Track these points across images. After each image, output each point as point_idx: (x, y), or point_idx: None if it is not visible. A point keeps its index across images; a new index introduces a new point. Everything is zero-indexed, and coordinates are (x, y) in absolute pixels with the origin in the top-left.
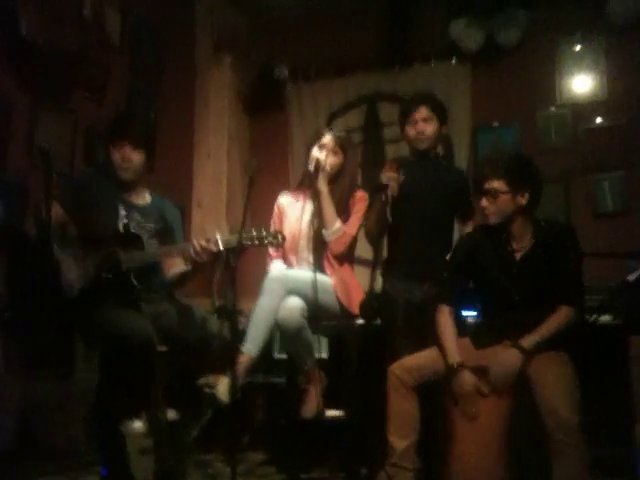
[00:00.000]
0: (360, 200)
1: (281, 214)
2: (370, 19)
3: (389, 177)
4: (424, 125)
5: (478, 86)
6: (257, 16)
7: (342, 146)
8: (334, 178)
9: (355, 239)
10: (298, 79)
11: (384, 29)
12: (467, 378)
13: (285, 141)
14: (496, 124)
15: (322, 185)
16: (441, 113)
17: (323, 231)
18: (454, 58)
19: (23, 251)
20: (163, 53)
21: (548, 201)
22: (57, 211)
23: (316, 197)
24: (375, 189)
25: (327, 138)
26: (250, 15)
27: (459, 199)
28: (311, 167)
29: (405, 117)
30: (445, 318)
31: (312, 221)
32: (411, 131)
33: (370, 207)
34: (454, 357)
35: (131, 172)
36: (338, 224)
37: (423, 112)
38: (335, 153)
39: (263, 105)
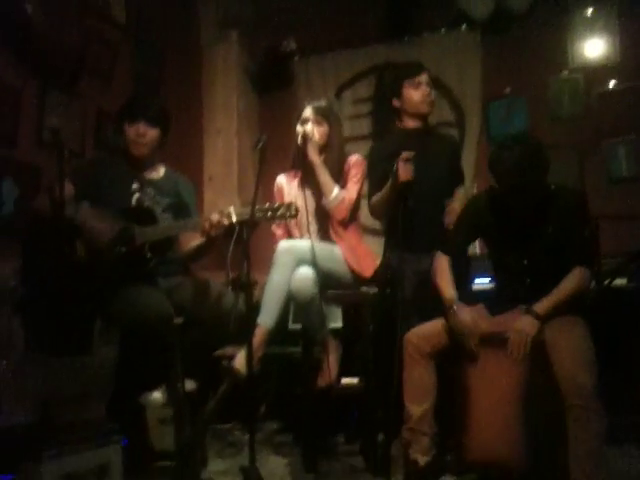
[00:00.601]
0: (355, 165)
1: (281, 192)
2: None
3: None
4: (428, 88)
5: (488, 54)
6: None
7: (324, 115)
8: (324, 147)
9: (357, 203)
10: (306, 52)
11: None
12: (463, 312)
13: (294, 116)
14: (508, 91)
15: (314, 155)
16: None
17: (323, 200)
18: (463, 26)
19: (37, 229)
20: (168, 31)
21: (561, 168)
22: (70, 189)
23: (310, 169)
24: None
25: (307, 111)
26: None
27: (454, 166)
28: (299, 140)
29: (404, 79)
30: (441, 263)
31: (310, 194)
32: (415, 94)
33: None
34: (449, 293)
35: (145, 147)
36: (337, 190)
37: (426, 76)
38: (319, 123)
39: (271, 80)
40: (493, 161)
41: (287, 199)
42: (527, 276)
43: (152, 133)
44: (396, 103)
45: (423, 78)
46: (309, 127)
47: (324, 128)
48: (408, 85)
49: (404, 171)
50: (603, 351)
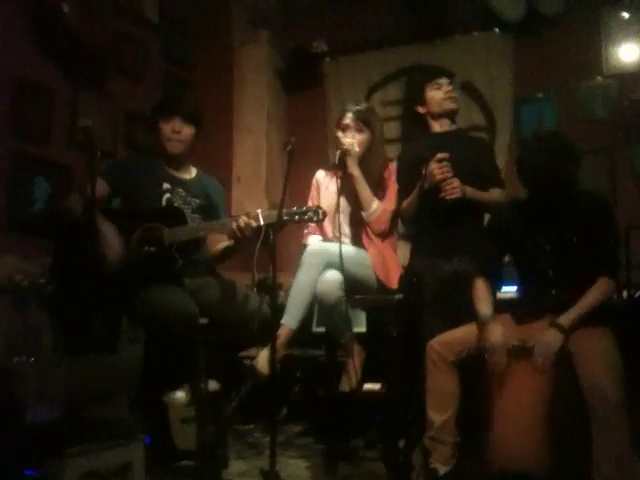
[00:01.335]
0: (394, 172)
1: (319, 188)
2: None
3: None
4: (450, 87)
5: (520, 57)
6: None
7: (365, 120)
8: (365, 155)
9: (396, 213)
10: (336, 53)
11: (424, 1)
12: (498, 330)
13: (323, 117)
14: (540, 95)
15: (354, 169)
16: None
17: (362, 213)
18: (496, 29)
19: (67, 228)
20: (200, 31)
21: (592, 173)
22: (102, 187)
23: (350, 181)
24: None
25: (348, 117)
26: None
27: (484, 168)
28: (337, 157)
29: (425, 84)
30: (480, 287)
31: (348, 197)
32: (437, 94)
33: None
34: (486, 312)
35: (180, 145)
36: (375, 204)
37: (446, 79)
38: (359, 130)
39: (301, 81)
40: (524, 153)
41: (324, 196)
42: (553, 287)
43: (187, 130)
44: (421, 109)
45: (443, 80)
46: (349, 140)
47: (365, 135)
48: (429, 88)
49: (440, 171)
50: (632, 362)
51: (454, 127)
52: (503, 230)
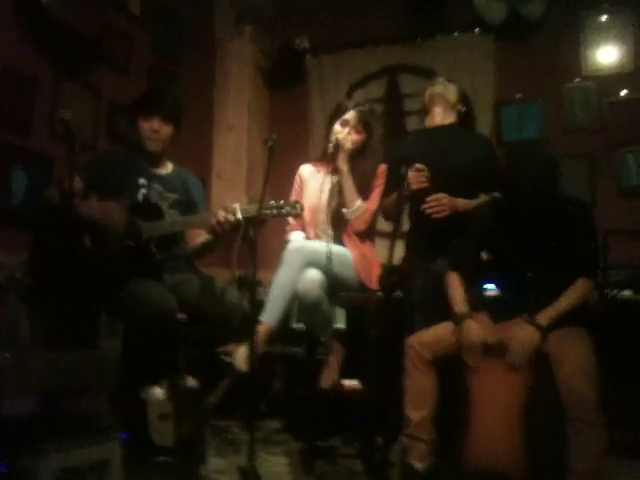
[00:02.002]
0: (382, 174)
1: (302, 184)
2: None
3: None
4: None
5: (501, 59)
6: None
7: (365, 123)
8: (356, 155)
9: (376, 214)
10: (319, 51)
11: (407, 1)
12: (473, 327)
13: (305, 114)
14: (520, 96)
15: (342, 164)
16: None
17: (344, 210)
18: (477, 30)
19: (46, 221)
20: (184, 24)
21: (573, 176)
22: (77, 183)
23: (337, 175)
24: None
25: (351, 114)
26: None
27: (482, 170)
28: (331, 148)
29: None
30: (453, 280)
31: (332, 196)
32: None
33: (388, 193)
34: (461, 306)
35: (158, 143)
36: (359, 202)
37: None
38: (358, 131)
39: (283, 78)
40: (507, 167)
41: (307, 193)
42: (531, 288)
43: (166, 129)
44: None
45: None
46: (344, 134)
47: (360, 137)
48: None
49: (416, 180)
50: (607, 363)
51: (449, 121)
52: (483, 228)
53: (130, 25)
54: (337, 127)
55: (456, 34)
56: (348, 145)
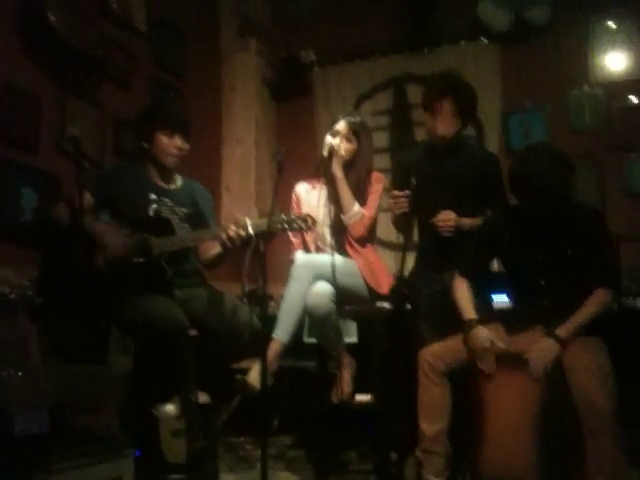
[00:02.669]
0: (376, 181)
1: (299, 202)
2: (398, 1)
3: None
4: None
5: (508, 67)
6: (282, 0)
7: (355, 132)
8: (349, 164)
9: (374, 220)
10: (324, 63)
11: (411, 10)
12: (483, 333)
13: (312, 126)
14: (528, 104)
15: (337, 170)
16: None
17: (342, 216)
18: (483, 38)
19: (55, 238)
20: (189, 39)
21: (581, 182)
22: (86, 199)
23: (332, 182)
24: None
25: (341, 124)
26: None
27: (486, 184)
28: (325, 152)
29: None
30: (460, 286)
31: (330, 206)
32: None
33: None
34: (470, 313)
35: (178, 159)
36: (356, 208)
37: (444, 108)
38: (349, 140)
39: (289, 90)
40: (519, 165)
41: (305, 209)
42: (545, 297)
43: (186, 146)
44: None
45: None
46: (337, 141)
47: (352, 145)
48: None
49: (396, 206)
50: (622, 372)
51: (451, 129)
52: (492, 236)
53: (134, 41)
54: (328, 138)
55: (462, 43)
56: (341, 152)
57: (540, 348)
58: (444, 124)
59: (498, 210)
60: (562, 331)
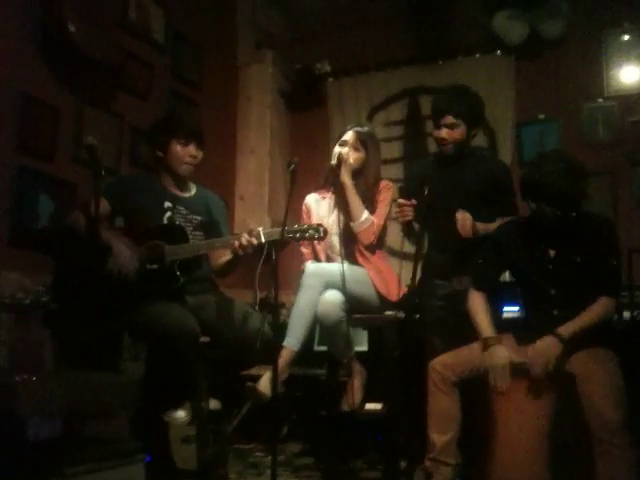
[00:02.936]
0: (384, 189)
1: (309, 212)
2: (412, 13)
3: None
4: (447, 131)
5: (522, 79)
6: (297, 13)
7: (363, 141)
8: (357, 172)
9: (384, 228)
10: (339, 74)
11: (426, 22)
12: (501, 352)
13: (326, 137)
14: (541, 116)
15: (346, 178)
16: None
17: (351, 223)
18: (497, 51)
19: (70, 245)
20: (206, 50)
21: (594, 194)
22: (104, 206)
23: (341, 191)
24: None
25: (348, 134)
26: (290, 12)
27: (494, 193)
28: (334, 161)
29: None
30: (476, 300)
31: (339, 215)
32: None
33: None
34: (488, 331)
35: (193, 168)
36: (365, 215)
37: (448, 119)
38: (356, 149)
39: (304, 101)
40: (533, 171)
41: (315, 220)
42: (555, 306)
43: (200, 154)
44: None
45: (443, 121)
46: (345, 150)
47: (361, 154)
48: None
49: (400, 215)
50: (634, 384)
51: (461, 150)
52: (502, 247)
53: (152, 52)
54: (337, 148)
55: (477, 55)
56: (350, 161)
57: (540, 346)
58: (448, 133)
59: (507, 222)
60: (563, 330)
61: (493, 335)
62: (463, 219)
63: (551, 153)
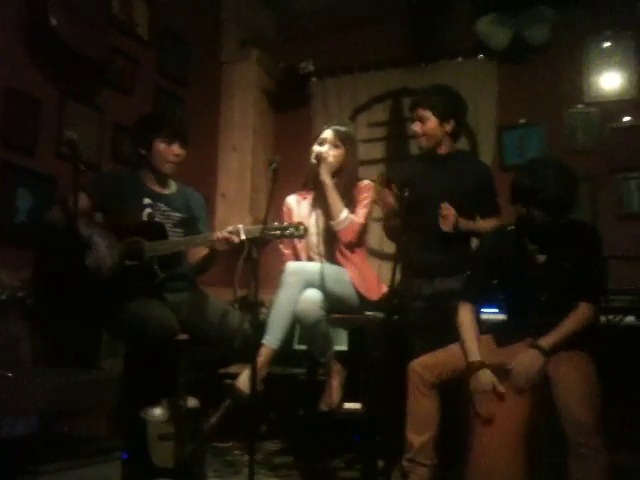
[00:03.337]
0: (365, 189)
1: (290, 212)
2: (397, 15)
3: (380, 197)
4: (419, 124)
5: (505, 84)
6: (283, 12)
7: (342, 139)
8: (337, 171)
9: (364, 227)
10: (323, 74)
11: (411, 25)
12: (486, 377)
13: (309, 136)
14: (523, 121)
15: (325, 176)
16: (440, 110)
17: (331, 222)
18: (481, 55)
19: (49, 240)
20: (190, 47)
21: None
22: (84, 201)
23: (321, 190)
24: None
25: (327, 132)
26: (276, 11)
27: (477, 194)
28: (313, 159)
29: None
30: (466, 315)
31: (319, 215)
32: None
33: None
34: (475, 355)
35: (176, 166)
36: (345, 213)
37: (419, 112)
38: (336, 146)
39: (288, 100)
40: (525, 176)
41: (296, 220)
42: (542, 311)
43: (184, 153)
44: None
45: (415, 114)
46: (325, 148)
47: (340, 152)
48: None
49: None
50: (610, 388)
51: (445, 149)
52: (492, 256)
53: (136, 47)
54: (316, 147)
55: (460, 59)
56: (330, 159)
57: (523, 359)
58: (420, 126)
59: (495, 230)
60: (545, 342)
61: (478, 359)
62: (447, 212)
63: (543, 158)
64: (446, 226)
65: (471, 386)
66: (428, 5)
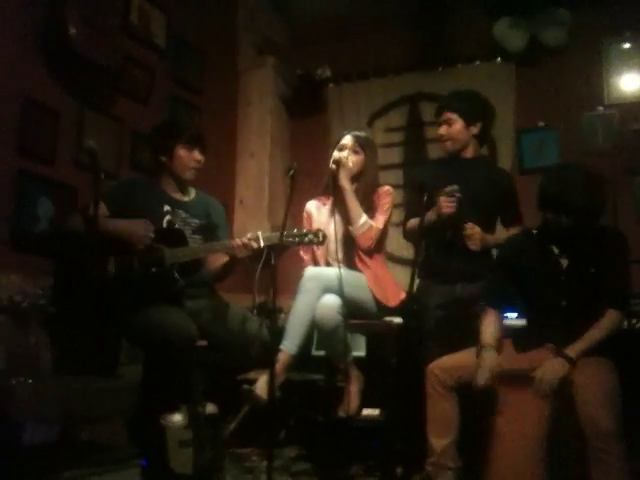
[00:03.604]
0: (384, 195)
1: (310, 219)
2: (413, 19)
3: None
4: (445, 127)
5: (522, 87)
6: (298, 19)
7: (361, 145)
8: (357, 176)
9: (384, 233)
10: (340, 80)
11: (427, 29)
12: (491, 355)
13: (326, 142)
14: (541, 124)
15: (345, 182)
16: (466, 113)
17: (350, 227)
18: (498, 58)
19: (69, 248)
20: (207, 55)
21: None
22: (101, 210)
23: (340, 195)
24: (426, 206)
25: (346, 139)
26: (291, 18)
27: (500, 201)
28: (332, 165)
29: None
30: (489, 317)
31: (338, 221)
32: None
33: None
34: (487, 340)
35: (196, 173)
36: (364, 218)
37: (445, 115)
38: (355, 152)
39: (305, 106)
40: (554, 182)
41: (316, 225)
42: (563, 317)
43: (204, 159)
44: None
45: (443, 117)
46: (344, 154)
47: (360, 157)
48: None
49: (446, 204)
50: (630, 393)
51: (467, 153)
52: (514, 260)
53: (153, 56)
54: (335, 153)
55: (477, 63)
56: (349, 164)
57: (547, 367)
58: (446, 129)
59: (518, 234)
60: (572, 351)
61: (489, 341)
62: (472, 231)
63: (571, 164)
64: (474, 245)
65: (477, 362)
66: (444, 9)
